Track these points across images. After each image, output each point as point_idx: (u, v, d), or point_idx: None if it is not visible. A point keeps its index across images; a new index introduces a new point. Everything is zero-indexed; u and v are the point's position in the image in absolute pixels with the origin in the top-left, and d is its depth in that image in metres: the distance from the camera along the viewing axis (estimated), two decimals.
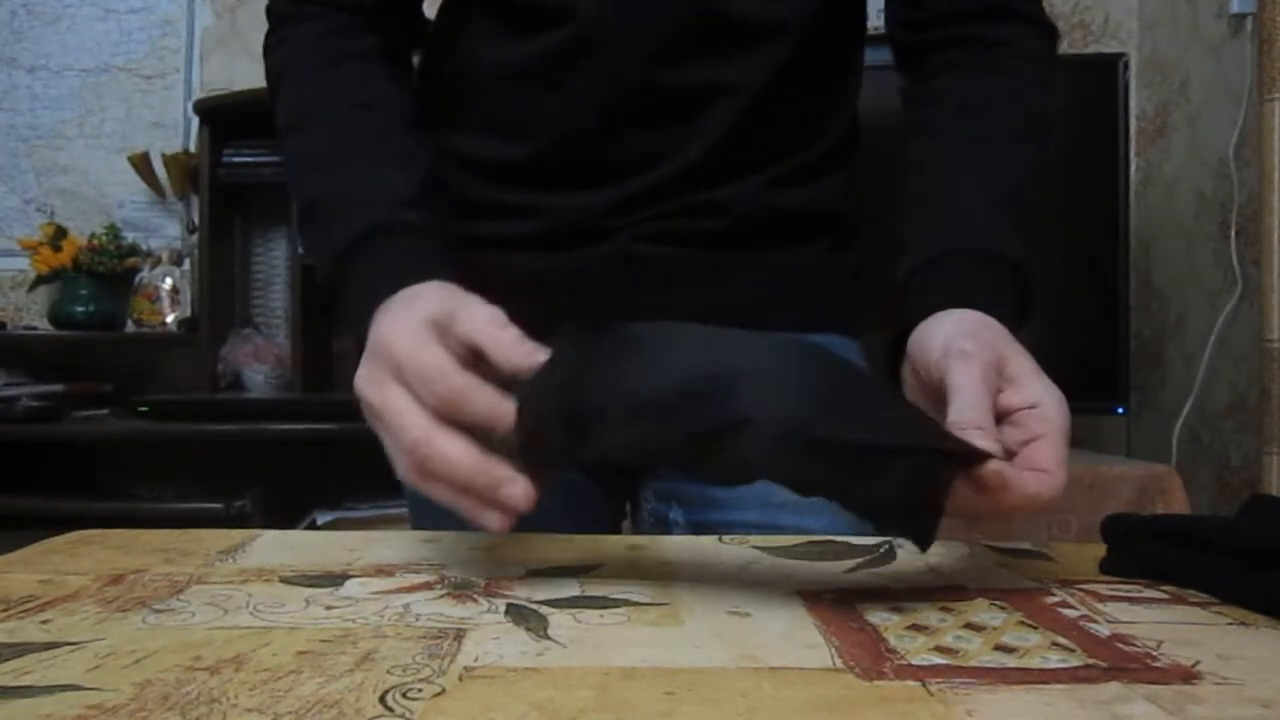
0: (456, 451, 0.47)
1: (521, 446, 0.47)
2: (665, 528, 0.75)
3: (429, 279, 0.57)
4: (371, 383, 0.51)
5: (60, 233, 2.24)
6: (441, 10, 0.78)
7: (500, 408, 0.47)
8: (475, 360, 0.51)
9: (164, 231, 2.38)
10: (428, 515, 0.76)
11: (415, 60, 0.80)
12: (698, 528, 0.71)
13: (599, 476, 0.78)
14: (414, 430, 0.48)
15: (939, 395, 0.53)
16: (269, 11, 0.74)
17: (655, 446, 0.45)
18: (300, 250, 2.05)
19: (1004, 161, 0.66)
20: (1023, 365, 0.53)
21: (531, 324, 0.52)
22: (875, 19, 0.77)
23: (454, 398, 0.48)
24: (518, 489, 0.47)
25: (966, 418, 0.49)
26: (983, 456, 0.46)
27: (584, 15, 0.69)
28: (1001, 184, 0.65)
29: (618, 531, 0.82)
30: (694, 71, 0.70)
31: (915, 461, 0.44)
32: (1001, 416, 0.51)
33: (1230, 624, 0.43)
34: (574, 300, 0.73)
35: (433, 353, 0.49)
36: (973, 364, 0.51)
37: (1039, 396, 0.51)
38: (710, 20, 0.69)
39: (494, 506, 0.48)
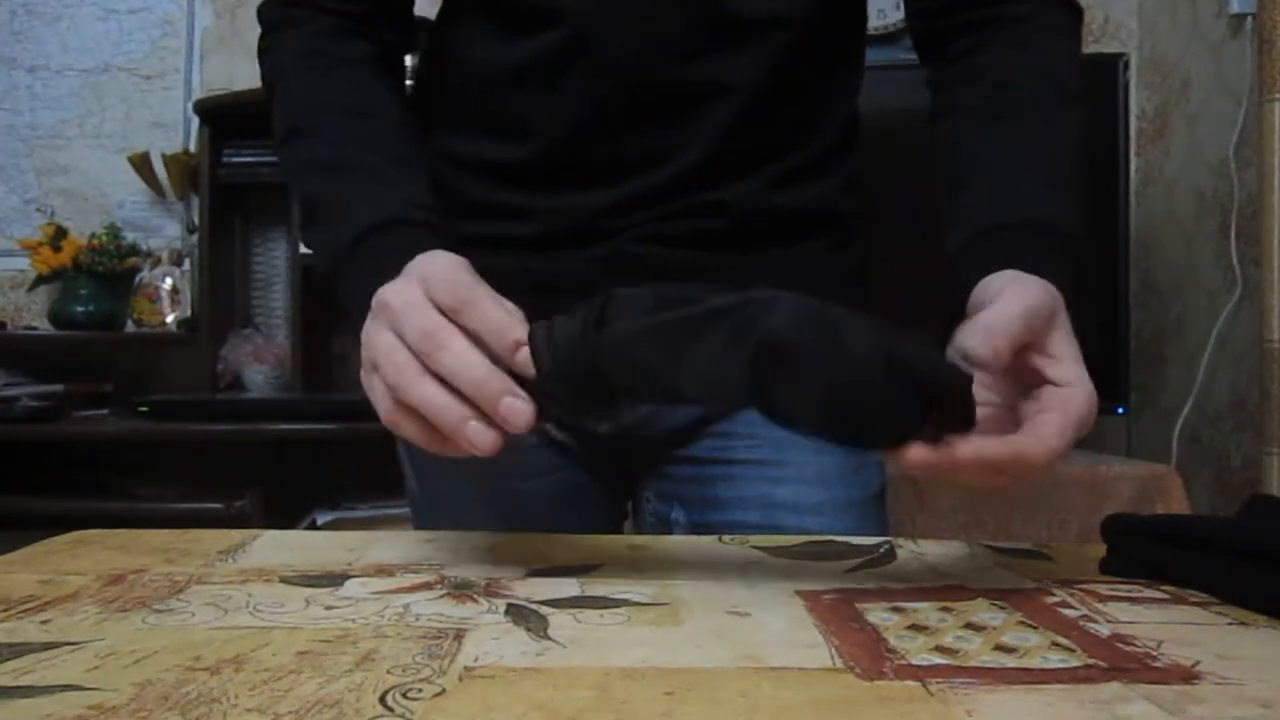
0: (472, 352, 0.47)
1: (536, 364, 0.47)
2: (667, 528, 0.75)
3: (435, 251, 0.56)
4: (369, 331, 0.52)
5: (60, 233, 2.24)
6: (439, 14, 0.78)
7: (510, 317, 0.48)
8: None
9: (164, 231, 2.38)
10: (430, 520, 0.76)
11: (409, 62, 0.80)
12: (699, 528, 0.71)
13: (601, 476, 0.78)
14: (420, 322, 0.48)
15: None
16: (260, 16, 0.73)
17: (673, 369, 0.45)
18: (303, 251, 2.05)
19: (1041, 135, 0.65)
20: (1067, 346, 0.52)
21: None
22: (876, 19, 0.76)
23: (460, 303, 0.49)
24: (521, 404, 0.46)
25: (976, 328, 0.48)
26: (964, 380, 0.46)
27: (574, 16, 0.68)
28: (1041, 157, 0.64)
29: (619, 532, 0.82)
30: (691, 70, 0.69)
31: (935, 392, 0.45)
32: (1030, 384, 0.51)
33: (1230, 624, 0.43)
34: (573, 301, 0.73)
35: (426, 311, 0.49)
36: (1015, 303, 0.50)
37: (1070, 379, 0.50)
38: (705, 18, 0.69)
39: (492, 419, 0.47)
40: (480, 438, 0.47)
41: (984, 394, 0.52)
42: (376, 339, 0.51)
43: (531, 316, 0.50)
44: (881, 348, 0.45)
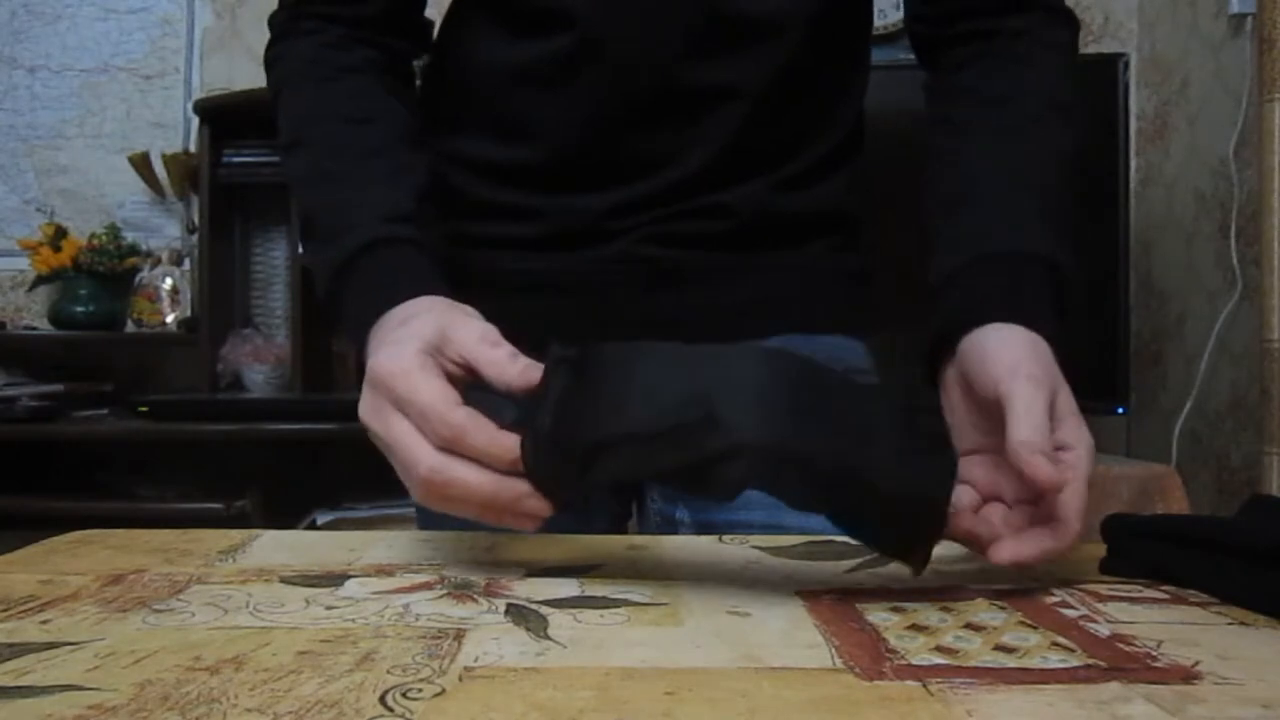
0: (473, 477, 0.48)
1: (528, 472, 0.48)
2: (671, 527, 0.75)
3: (422, 293, 0.58)
4: (374, 414, 0.52)
5: (60, 233, 2.24)
6: (447, 15, 0.78)
7: (498, 442, 0.48)
8: (473, 373, 0.51)
9: (164, 231, 2.38)
10: (435, 518, 0.76)
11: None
12: (703, 527, 0.71)
13: None
14: (425, 461, 0.49)
15: (990, 409, 0.53)
16: (270, 24, 0.74)
17: (650, 473, 0.47)
18: (301, 250, 2.06)
19: (1036, 155, 0.65)
20: (1066, 404, 0.53)
21: (538, 325, 0.52)
22: (877, 18, 0.76)
23: (453, 435, 0.49)
24: (538, 501, 0.48)
25: (1034, 439, 0.49)
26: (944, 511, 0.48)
27: (583, 19, 0.68)
28: (1036, 180, 0.64)
29: (623, 530, 0.82)
30: (698, 73, 0.69)
31: (900, 508, 0.46)
32: None
33: (1230, 624, 0.43)
34: (580, 302, 0.73)
35: (430, 388, 0.50)
36: (1041, 391, 0.51)
37: (1074, 440, 0.51)
38: (712, 20, 0.69)
39: (518, 516, 0.49)
40: (520, 524, 0.49)
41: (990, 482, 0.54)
42: (387, 441, 0.52)
43: (538, 317, 0.51)
44: (865, 483, 0.46)
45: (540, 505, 0.48)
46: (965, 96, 0.70)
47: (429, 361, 0.51)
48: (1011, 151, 0.65)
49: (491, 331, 0.53)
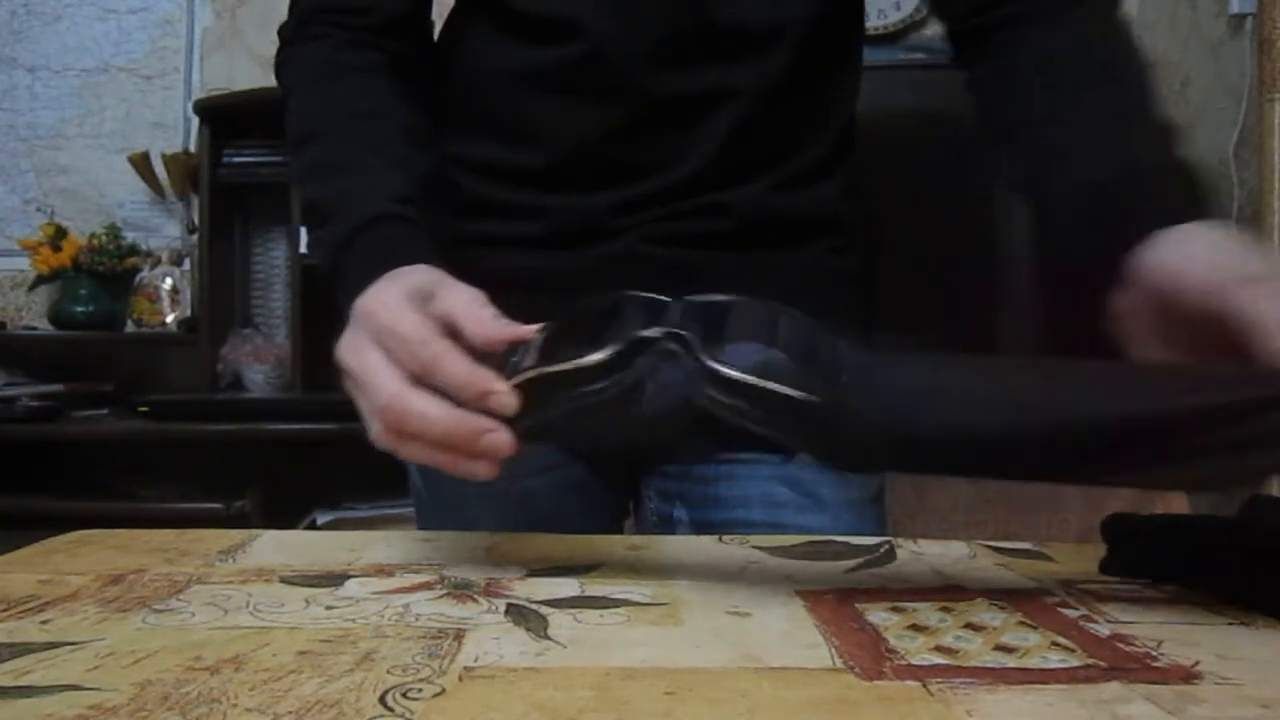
0: (431, 408, 0.48)
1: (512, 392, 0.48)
2: (669, 527, 0.75)
3: (419, 264, 0.58)
4: (350, 349, 0.53)
5: (60, 233, 2.24)
6: (447, 21, 0.78)
7: (475, 374, 0.48)
8: (452, 337, 0.52)
9: (164, 231, 2.39)
10: (434, 515, 0.76)
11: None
12: (701, 527, 0.71)
13: (603, 473, 0.78)
14: (388, 388, 0.49)
15: (1195, 319, 0.50)
16: (280, 33, 0.76)
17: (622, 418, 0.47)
18: (303, 251, 2.07)
19: (1122, 94, 0.63)
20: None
21: (537, 322, 0.53)
22: (877, 18, 0.76)
23: (432, 361, 0.49)
24: (499, 436, 0.47)
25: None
26: None
27: (590, 29, 0.69)
28: (1135, 108, 0.62)
29: (620, 530, 0.82)
30: (698, 78, 0.70)
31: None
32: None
33: (1230, 624, 0.43)
34: (579, 300, 0.73)
35: (412, 319, 0.51)
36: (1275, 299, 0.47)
37: None
38: (712, 28, 0.70)
39: (477, 457, 0.48)
40: (477, 469, 0.49)
41: None
42: (357, 373, 0.52)
43: (537, 315, 0.51)
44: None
45: (501, 440, 0.47)
46: (1021, 67, 0.67)
47: (415, 301, 0.52)
48: (1101, 86, 0.63)
49: (480, 295, 0.53)
